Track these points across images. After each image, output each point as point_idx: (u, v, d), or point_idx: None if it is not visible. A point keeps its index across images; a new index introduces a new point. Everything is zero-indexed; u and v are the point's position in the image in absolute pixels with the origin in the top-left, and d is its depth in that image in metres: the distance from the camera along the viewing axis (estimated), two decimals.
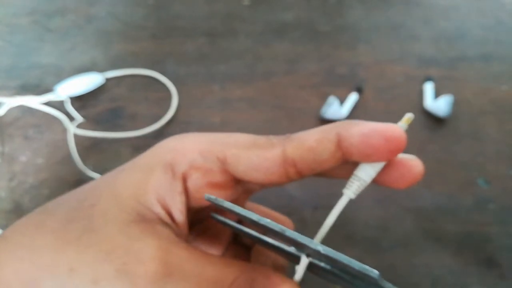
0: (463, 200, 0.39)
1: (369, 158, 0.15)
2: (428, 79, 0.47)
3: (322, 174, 0.18)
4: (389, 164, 0.16)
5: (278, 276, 0.16)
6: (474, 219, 0.38)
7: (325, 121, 0.44)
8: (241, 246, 0.22)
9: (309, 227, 0.37)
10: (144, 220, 0.16)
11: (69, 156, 0.42)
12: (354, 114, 0.44)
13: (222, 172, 0.17)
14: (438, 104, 0.44)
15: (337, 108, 0.43)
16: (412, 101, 0.46)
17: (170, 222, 0.16)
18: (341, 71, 0.48)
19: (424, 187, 0.40)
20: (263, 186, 0.18)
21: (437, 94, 0.46)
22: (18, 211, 0.38)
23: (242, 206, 0.20)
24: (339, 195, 0.18)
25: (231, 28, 0.53)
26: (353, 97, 0.45)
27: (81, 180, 0.40)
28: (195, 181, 0.17)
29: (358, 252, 0.36)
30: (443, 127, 0.44)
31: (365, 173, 0.16)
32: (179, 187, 0.17)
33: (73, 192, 0.18)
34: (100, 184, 0.17)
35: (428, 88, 0.46)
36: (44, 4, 0.56)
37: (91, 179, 0.40)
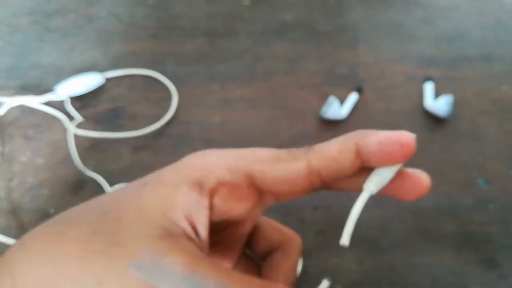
0: (463, 200, 0.39)
1: (386, 163, 0.17)
2: (428, 79, 0.47)
3: (339, 187, 0.19)
4: (401, 177, 0.18)
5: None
6: (474, 219, 0.38)
7: (325, 121, 0.44)
8: (251, 260, 0.23)
9: (309, 227, 0.37)
10: (171, 235, 0.16)
11: (69, 156, 0.42)
12: (354, 114, 0.44)
13: (249, 186, 0.18)
14: (438, 104, 0.44)
15: (337, 108, 0.43)
16: (412, 101, 0.46)
17: (195, 237, 0.17)
18: (341, 71, 0.48)
19: None
20: (289, 197, 0.19)
21: (437, 94, 0.46)
22: (18, 211, 0.38)
23: (258, 216, 0.21)
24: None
25: (231, 28, 0.53)
26: (353, 97, 0.45)
27: (81, 180, 0.40)
28: (222, 196, 0.18)
29: (358, 252, 0.36)
30: (443, 127, 0.44)
31: (384, 172, 0.18)
32: (205, 202, 0.17)
33: (92, 202, 0.18)
34: (123, 197, 0.18)
35: (428, 88, 0.46)
36: (44, 4, 0.56)
37: (91, 179, 0.40)
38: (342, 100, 0.45)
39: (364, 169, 0.18)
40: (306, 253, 0.36)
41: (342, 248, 0.36)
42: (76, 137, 0.43)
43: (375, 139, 0.17)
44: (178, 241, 0.16)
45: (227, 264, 0.20)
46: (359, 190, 0.19)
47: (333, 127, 0.43)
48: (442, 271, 0.35)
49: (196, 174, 0.17)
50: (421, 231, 0.37)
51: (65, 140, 0.43)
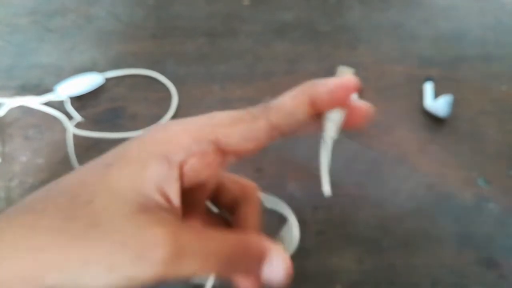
0: (463, 200, 0.39)
1: (337, 106, 0.20)
2: (428, 79, 0.47)
3: (295, 134, 0.21)
4: (349, 111, 0.21)
5: (268, 241, 0.19)
6: (474, 219, 0.38)
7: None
8: (215, 216, 0.24)
9: (309, 227, 0.37)
10: (147, 209, 0.17)
11: (69, 156, 0.42)
12: None
13: (215, 151, 0.19)
14: (438, 104, 0.44)
15: None
16: (412, 101, 0.46)
17: (169, 208, 0.18)
18: None
19: (424, 187, 0.40)
20: (251, 153, 0.20)
21: (437, 94, 0.46)
22: None
23: (221, 173, 0.23)
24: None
25: (231, 28, 0.53)
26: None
27: None
28: (191, 166, 0.18)
29: (358, 252, 0.36)
30: (443, 127, 0.44)
31: (335, 115, 0.20)
32: (175, 174, 0.18)
33: (53, 188, 0.18)
34: (88, 179, 0.18)
35: (428, 88, 0.46)
36: (44, 4, 0.56)
37: None
38: None
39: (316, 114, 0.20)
40: (306, 253, 0.36)
41: (343, 248, 0.36)
42: (76, 137, 0.43)
43: (325, 89, 0.20)
44: (155, 213, 0.17)
45: (197, 224, 0.21)
46: (313, 133, 0.21)
47: None
48: (442, 271, 0.35)
49: (163, 148, 0.18)
50: (421, 231, 0.37)
51: (65, 140, 0.43)
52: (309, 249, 0.36)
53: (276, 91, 0.51)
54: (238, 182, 0.24)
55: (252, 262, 0.18)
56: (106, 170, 0.18)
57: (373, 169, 0.41)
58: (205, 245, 0.17)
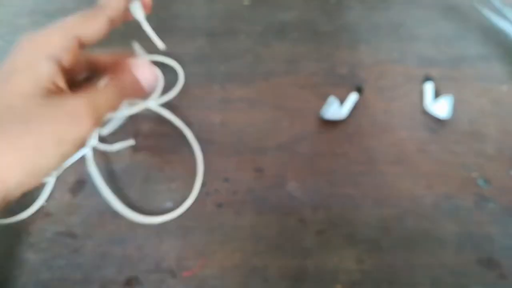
0: (463, 200, 0.39)
1: None
2: (428, 79, 0.47)
3: (120, 22, 0.28)
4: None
5: (131, 59, 0.27)
6: (474, 219, 0.38)
7: (325, 121, 0.44)
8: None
9: (309, 227, 0.37)
10: (53, 94, 0.23)
11: None
12: (354, 114, 0.44)
13: (77, 44, 0.25)
14: (438, 104, 0.44)
15: (337, 108, 0.43)
16: (412, 101, 0.46)
17: (62, 91, 0.24)
18: (341, 71, 0.48)
19: (424, 187, 0.40)
20: (99, 41, 0.26)
21: (437, 94, 0.46)
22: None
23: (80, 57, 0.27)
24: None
25: (231, 28, 0.53)
26: (353, 97, 0.45)
27: (80, 180, 0.40)
28: (66, 58, 0.24)
29: (358, 252, 0.36)
30: (443, 127, 0.44)
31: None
32: (58, 67, 0.23)
33: None
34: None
35: (428, 88, 0.46)
36: (44, 4, 0.56)
37: (91, 179, 0.40)
38: (342, 100, 0.45)
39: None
40: (306, 253, 0.36)
41: (343, 248, 0.36)
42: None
43: None
44: (60, 94, 0.23)
45: (87, 90, 0.26)
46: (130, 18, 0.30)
47: (333, 127, 0.43)
48: (442, 271, 0.35)
49: (44, 51, 0.23)
50: (421, 231, 0.37)
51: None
52: (309, 249, 0.36)
53: (276, 91, 0.51)
54: (109, 55, 0.30)
55: (135, 82, 0.26)
56: (7, 80, 0.22)
57: (373, 169, 0.41)
58: (105, 94, 0.24)
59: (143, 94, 0.27)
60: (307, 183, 0.40)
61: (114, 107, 0.25)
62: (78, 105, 0.23)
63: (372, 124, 0.44)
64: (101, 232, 0.37)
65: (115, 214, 0.38)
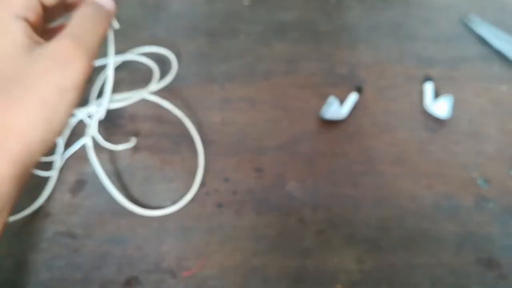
0: (463, 200, 0.39)
1: None
2: (428, 79, 0.47)
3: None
4: None
5: None
6: (474, 219, 0.38)
7: (325, 121, 0.44)
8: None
9: (309, 227, 0.37)
10: (30, 47, 0.23)
11: None
12: (354, 114, 0.44)
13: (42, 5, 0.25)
14: (438, 104, 0.44)
15: (337, 108, 0.43)
16: (412, 101, 0.46)
17: (42, 40, 0.24)
18: (341, 71, 0.48)
19: (424, 187, 0.40)
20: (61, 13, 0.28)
21: (437, 94, 0.46)
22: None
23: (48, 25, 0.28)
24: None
25: (231, 28, 0.53)
26: (353, 97, 0.45)
27: (80, 180, 0.40)
28: (32, 12, 0.24)
29: (358, 252, 0.36)
30: (443, 127, 0.44)
31: None
32: (29, 23, 0.24)
33: None
34: None
35: (428, 88, 0.46)
36: None
37: (90, 179, 0.40)
38: (342, 100, 0.45)
39: None
40: (306, 253, 0.36)
41: (343, 248, 0.36)
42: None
43: None
44: (42, 46, 0.23)
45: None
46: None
47: (333, 127, 0.43)
48: (442, 271, 0.35)
49: (14, 8, 0.23)
50: (421, 231, 0.37)
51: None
52: (309, 249, 0.36)
53: (276, 91, 0.51)
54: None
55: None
56: None
57: (373, 169, 0.41)
58: (82, 26, 0.25)
59: (111, 13, 0.28)
60: (307, 183, 0.40)
61: (98, 35, 0.25)
62: (64, 48, 0.23)
63: (372, 124, 0.44)
64: (101, 232, 0.37)
65: (115, 214, 0.38)
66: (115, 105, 0.44)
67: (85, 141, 0.41)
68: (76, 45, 0.23)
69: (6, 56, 0.22)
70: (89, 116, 0.43)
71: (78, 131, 0.43)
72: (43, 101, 0.22)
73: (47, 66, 0.22)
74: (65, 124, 0.23)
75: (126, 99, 0.44)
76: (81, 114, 0.43)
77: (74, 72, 0.23)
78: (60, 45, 0.23)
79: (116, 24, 0.30)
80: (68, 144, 0.42)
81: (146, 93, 0.44)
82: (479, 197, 0.39)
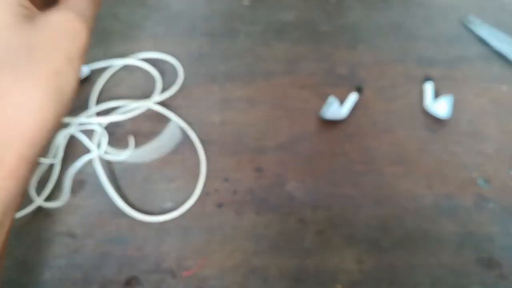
0: (463, 200, 0.39)
1: None
2: (428, 79, 0.47)
3: None
4: None
5: None
6: (474, 219, 0.38)
7: (325, 121, 0.44)
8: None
9: (309, 227, 0.37)
10: (28, 17, 0.22)
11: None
12: (354, 114, 0.44)
13: None
14: (438, 104, 0.44)
15: (337, 108, 0.43)
16: (412, 101, 0.46)
17: (37, 10, 0.23)
18: (341, 71, 0.48)
19: (424, 187, 0.40)
20: None
21: (437, 94, 0.46)
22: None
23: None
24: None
25: (231, 28, 0.53)
26: (353, 97, 0.45)
27: (80, 180, 0.40)
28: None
29: (358, 252, 0.36)
30: (443, 127, 0.44)
31: None
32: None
33: None
34: None
35: (428, 88, 0.46)
36: None
37: (91, 178, 0.40)
38: (342, 100, 0.45)
39: None
40: (306, 253, 0.36)
41: (343, 248, 0.36)
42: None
43: None
44: (43, 17, 0.23)
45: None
46: None
47: (333, 127, 0.43)
48: (442, 271, 0.35)
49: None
50: (421, 231, 0.37)
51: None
52: (309, 249, 0.36)
53: (276, 91, 0.51)
54: None
55: None
56: None
57: (373, 169, 0.41)
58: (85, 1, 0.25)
59: None
60: (307, 183, 0.40)
61: (94, 9, 0.26)
62: (70, 19, 0.23)
63: (372, 124, 0.44)
64: (101, 232, 0.37)
65: (115, 214, 0.38)
66: (120, 118, 0.43)
67: (92, 156, 0.40)
68: (80, 18, 0.24)
69: (4, 26, 0.21)
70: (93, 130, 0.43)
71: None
72: (56, 72, 0.21)
73: (56, 36, 0.22)
74: (73, 95, 0.23)
75: (131, 111, 0.44)
76: (85, 124, 0.43)
77: (79, 40, 0.23)
78: (66, 16, 0.23)
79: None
80: (69, 150, 0.42)
81: (151, 103, 0.44)
82: (479, 197, 0.39)
